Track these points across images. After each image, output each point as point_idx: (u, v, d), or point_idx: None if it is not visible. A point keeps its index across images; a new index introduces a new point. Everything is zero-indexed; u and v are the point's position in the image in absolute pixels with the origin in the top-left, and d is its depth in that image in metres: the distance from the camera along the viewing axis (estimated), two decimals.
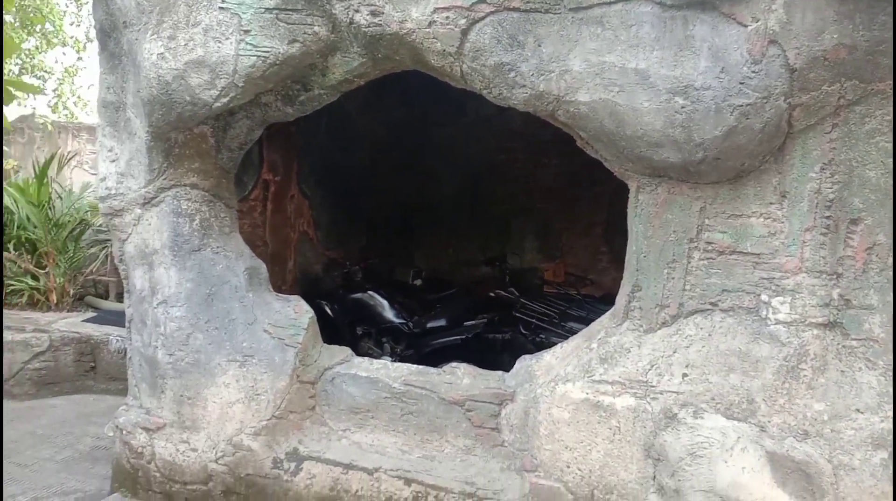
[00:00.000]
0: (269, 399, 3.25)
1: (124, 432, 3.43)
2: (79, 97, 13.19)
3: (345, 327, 4.71)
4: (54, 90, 12.78)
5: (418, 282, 5.72)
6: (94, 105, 12.05)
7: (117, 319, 5.91)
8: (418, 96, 5.37)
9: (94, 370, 5.58)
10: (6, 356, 5.48)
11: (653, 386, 2.67)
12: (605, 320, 2.98)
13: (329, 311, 4.65)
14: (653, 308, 2.75)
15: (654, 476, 2.67)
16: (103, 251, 6.77)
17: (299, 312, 3.44)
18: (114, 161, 3.51)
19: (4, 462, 4.09)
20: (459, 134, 5.94)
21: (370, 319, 4.72)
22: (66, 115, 12.85)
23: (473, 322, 4.27)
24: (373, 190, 5.89)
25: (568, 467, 2.80)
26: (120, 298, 6.87)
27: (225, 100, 3.09)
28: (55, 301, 6.44)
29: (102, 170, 3.55)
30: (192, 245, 3.38)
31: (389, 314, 4.63)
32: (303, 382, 3.33)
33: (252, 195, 4.46)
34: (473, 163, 6.02)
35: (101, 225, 6.66)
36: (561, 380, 2.85)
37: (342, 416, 3.31)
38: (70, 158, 7.49)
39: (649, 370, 2.70)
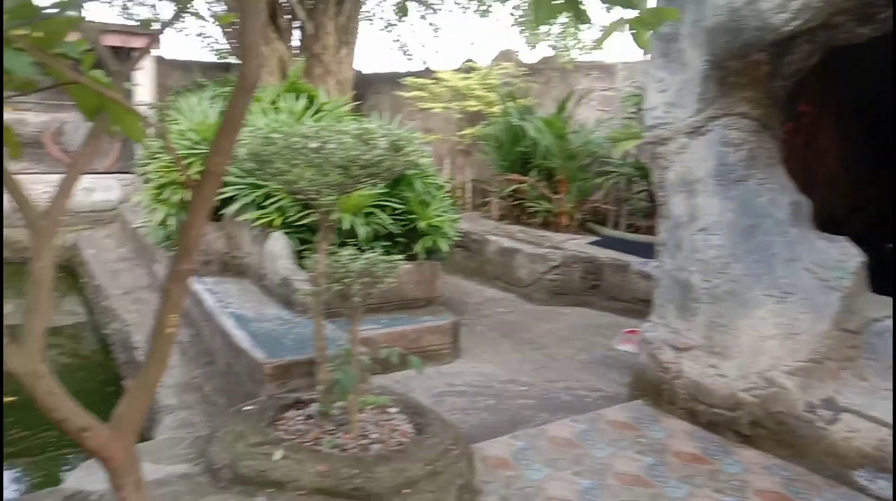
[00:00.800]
0: (805, 341, 3.10)
1: (651, 346, 3.70)
2: (578, 38, 14.24)
3: (884, 280, 4.15)
4: (559, 34, 14.07)
5: None
6: (590, 46, 12.72)
7: (618, 245, 6.42)
8: None
9: (597, 288, 6.18)
10: (529, 266, 6.49)
11: None
12: None
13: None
14: None
15: None
16: (607, 183, 7.34)
17: (847, 254, 3.17)
18: (663, 91, 3.69)
19: (538, 352, 4.89)
20: None
21: None
22: (565, 56, 14.09)
23: None
24: None
25: None
26: (616, 226, 7.41)
27: (797, 22, 2.93)
28: (564, 224, 7.29)
29: (651, 100, 3.77)
30: (737, 175, 3.37)
31: None
32: (844, 330, 3.08)
33: (785, 126, 4.20)
34: None
35: (608, 158, 7.20)
36: None
37: (889, 374, 2.97)
38: (584, 96, 8.20)
39: None
